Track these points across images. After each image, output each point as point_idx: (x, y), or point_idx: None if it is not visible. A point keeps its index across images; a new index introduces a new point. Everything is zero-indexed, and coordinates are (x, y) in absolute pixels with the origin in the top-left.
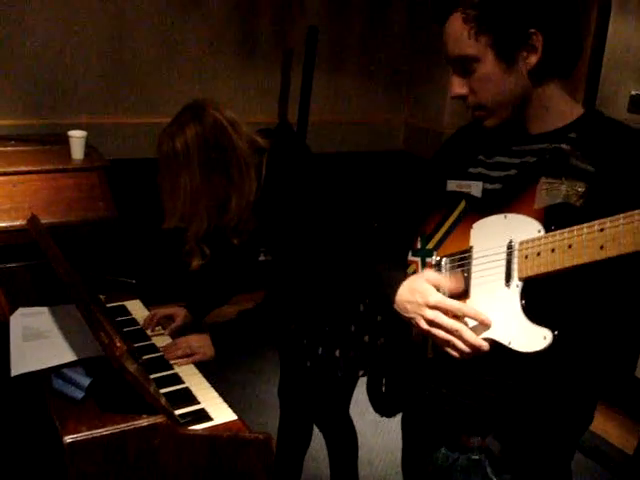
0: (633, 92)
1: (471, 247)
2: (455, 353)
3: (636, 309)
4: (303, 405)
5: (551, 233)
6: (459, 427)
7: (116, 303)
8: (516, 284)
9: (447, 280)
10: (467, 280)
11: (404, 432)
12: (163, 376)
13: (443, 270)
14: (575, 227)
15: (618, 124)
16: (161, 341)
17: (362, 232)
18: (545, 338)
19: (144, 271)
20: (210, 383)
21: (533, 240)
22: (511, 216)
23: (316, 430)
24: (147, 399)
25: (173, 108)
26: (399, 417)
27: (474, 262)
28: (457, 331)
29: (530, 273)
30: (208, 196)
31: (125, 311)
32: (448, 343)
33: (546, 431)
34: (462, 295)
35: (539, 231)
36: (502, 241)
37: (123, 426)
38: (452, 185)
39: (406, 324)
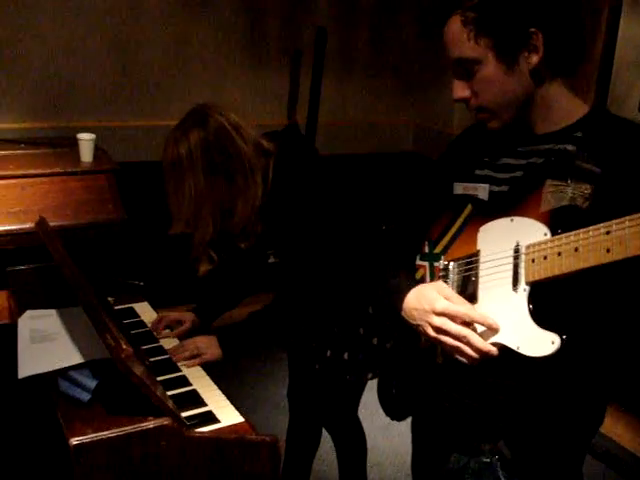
0: None
1: (478, 251)
2: (464, 359)
3: None
4: (312, 407)
5: (557, 236)
6: (470, 432)
7: (124, 305)
8: (523, 288)
9: (457, 298)
10: (475, 284)
11: (414, 436)
12: (170, 378)
13: (451, 275)
14: (581, 230)
15: (624, 122)
16: (169, 343)
17: (370, 234)
18: (553, 343)
19: (153, 273)
20: (219, 385)
21: (539, 244)
22: (517, 219)
23: (325, 432)
24: (153, 401)
25: (182, 111)
26: (409, 420)
27: (481, 266)
28: (465, 337)
29: (537, 277)
30: (213, 201)
31: (133, 313)
32: (457, 350)
33: (556, 433)
34: (470, 299)
35: (545, 234)
36: (509, 245)
37: (129, 428)
38: (459, 188)
39: (414, 331)
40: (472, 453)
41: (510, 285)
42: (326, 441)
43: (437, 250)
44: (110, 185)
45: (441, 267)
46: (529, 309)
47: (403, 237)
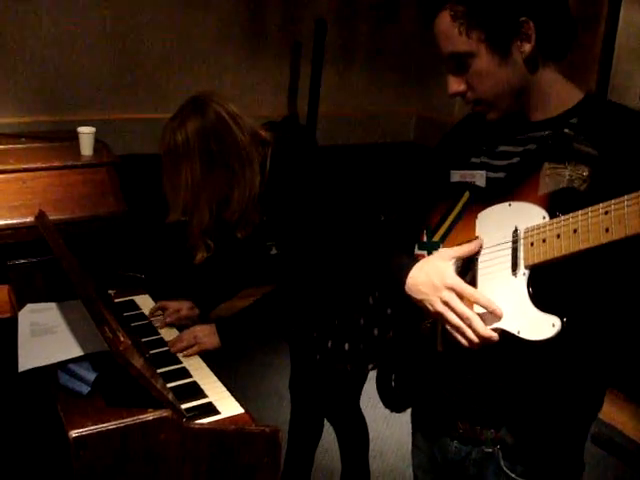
0: None
1: (477, 237)
2: (464, 341)
3: None
4: (314, 398)
5: (556, 219)
6: (471, 419)
7: (125, 298)
8: (523, 272)
9: (460, 249)
10: (474, 270)
11: (414, 424)
12: (171, 370)
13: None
14: (580, 211)
15: (619, 107)
16: (169, 335)
17: (370, 224)
18: (554, 325)
19: (153, 266)
20: (220, 376)
21: (538, 227)
22: (515, 204)
23: (327, 423)
24: (152, 393)
25: (182, 103)
26: (410, 410)
27: (481, 253)
28: (468, 319)
29: (536, 260)
30: (209, 189)
31: (134, 306)
32: (458, 329)
33: (557, 419)
34: (469, 285)
35: (544, 217)
36: (507, 230)
37: (129, 420)
38: (455, 176)
39: (415, 317)
40: (473, 443)
41: (509, 270)
42: (328, 432)
43: (435, 238)
44: (111, 178)
45: None
46: (529, 293)
47: (401, 226)
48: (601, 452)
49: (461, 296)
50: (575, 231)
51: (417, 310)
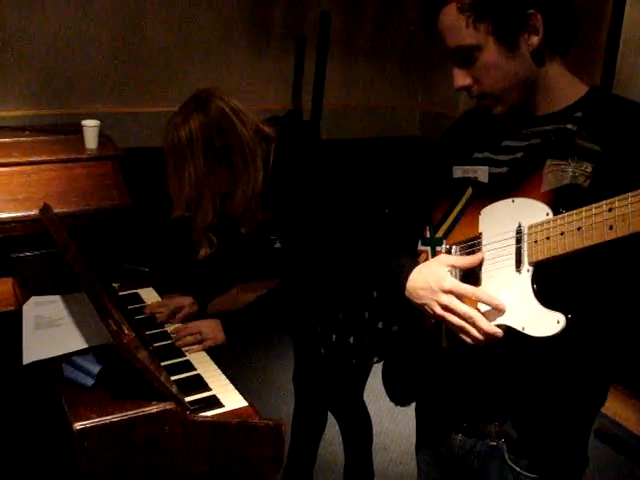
0: None
1: (480, 233)
2: (469, 339)
3: None
4: (317, 392)
5: (559, 216)
6: (475, 414)
7: (130, 291)
8: (527, 269)
9: (462, 259)
10: (478, 267)
11: (418, 419)
12: (175, 363)
13: None
14: (583, 208)
15: (623, 101)
16: (173, 329)
17: (374, 218)
18: (559, 322)
19: (157, 259)
20: (224, 369)
21: (542, 224)
22: (519, 200)
23: (331, 417)
24: (156, 386)
25: (186, 96)
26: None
27: (484, 248)
28: (471, 318)
29: (540, 257)
30: (213, 185)
31: (138, 299)
32: (462, 329)
33: (560, 413)
34: (473, 282)
35: (547, 214)
36: (511, 226)
37: (133, 413)
38: (458, 171)
39: (419, 313)
40: (478, 436)
41: (513, 266)
42: (332, 425)
43: (439, 234)
44: (115, 171)
45: (443, 251)
46: (533, 289)
47: (404, 222)
48: (604, 447)
49: (461, 297)
50: (579, 229)
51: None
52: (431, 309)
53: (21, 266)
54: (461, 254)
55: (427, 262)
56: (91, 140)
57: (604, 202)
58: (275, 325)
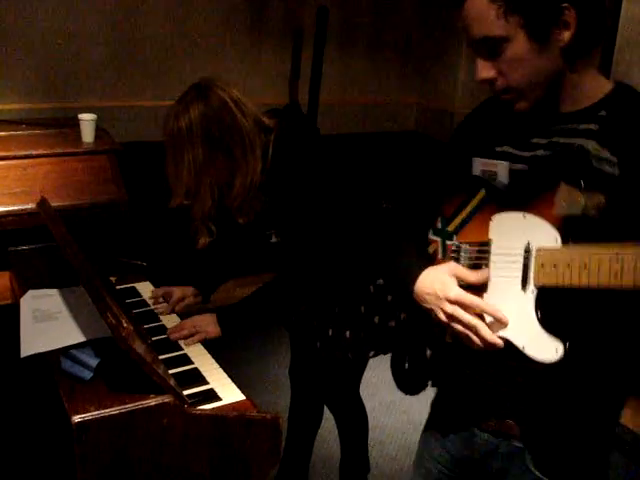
0: None
1: (490, 240)
2: (472, 345)
3: None
4: (313, 386)
5: (568, 246)
6: (501, 413)
7: (127, 285)
8: (532, 290)
9: (470, 274)
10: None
11: (434, 413)
12: (172, 357)
13: (462, 259)
14: (593, 246)
15: None
16: (171, 323)
17: (371, 213)
18: (557, 351)
19: (155, 253)
20: (221, 363)
21: (550, 250)
22: (530, 217)
23: (327, 411)
24: (155, 379)
25: (183, 90)
26: (412, 399)
27: (492, 258)
28: (474, 327)
29: (546, 282)
30: (211, 174)
31: (135, 293)
32: (465, 337)
33: (576, 422)
34: (480, 288)
35: (556, 239)
36: (520, 242)
37: (131, 406)
38: (478, 163)
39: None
40: (504, 436)
41: (519, 284)
42: (327, 419)
43: (450, 228)
44: (111, 165)
45: (453, 247)
46: (536, 311)
47: (417, 210)
48: (621, 456)
49: (466, 307)
50: (586, 266)
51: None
52: (436, 315)
53: (18, 260)
54: (470, 257)
55: (436, 267)
56: (88, 134)
57: (616, 246)
58: (271, 318)
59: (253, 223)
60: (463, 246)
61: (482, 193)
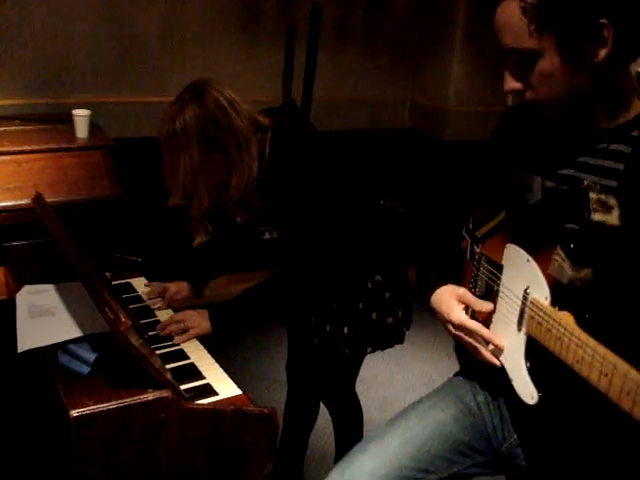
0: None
1: (502, 266)
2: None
3: None
4: (310, 382)
5: (556, 316)
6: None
7: (121, 280)
8: (524, 333)
9: (476, 303)
10: (495, 295)
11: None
12: (168, 352)
13: (480, 272)
14: (583, 339)
15: None
16: (166, 318)
17: (369, 210)
18: (532, 398)
19: (150, 249)
20: (217, 359)
21: (541, 309)
22: (531, 264)
23: (322, 407)
24: (152, 373)
25: (177, 86)
26: (404, 395)
27: (502, 288)
28: (475, 349)
29: (534, 335)
30: (207, 174)
31: (131, 288)
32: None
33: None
34: (490, 300)
35: (546, 298)
36: (522, 283)
37: (129, 400)
38: (517, 173)
39: None
40: None
41: (516, 323)
42: (322, 415)
43: (478, 234)
44: (105, 161)
45: (476, 257)
46: (525, 354)
47: (458, 207)
48: None
49: (467, 332)
50: (578, 361)
51: None
52: (445, 329)
53: (13, 255)
54: (486, 274)
55: (446, 288)
56: (82, 129)
57: (601, 352)
58: (264, 316)
59: (251, 222)
60: (483, 260)
61: (503, 215)
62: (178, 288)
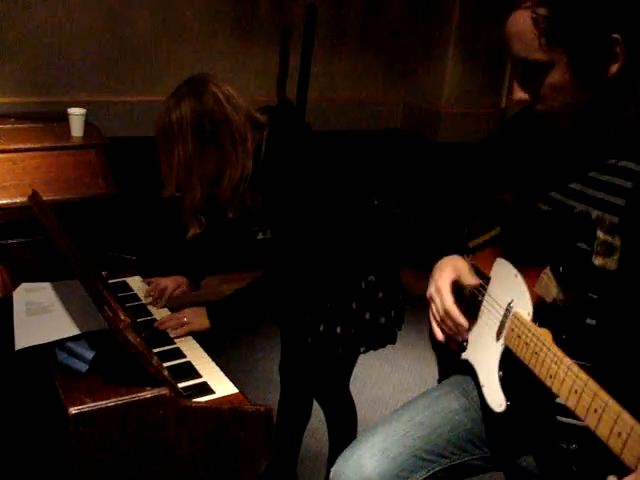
0: None
1: (490, 279)
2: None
3: None
4: (303, 381)
5: (538, 333)
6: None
7: (117, 279)
8: (501, 343)
9: (454, 311)
10: (478, 305)
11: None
12: (165, 350)
13: None
14: (560, 355)
15: None
16: (162, 316)
17: (363, 209)
18: (500, 406)
19: (144, 247)
20: (212, 358)
21: (522, 321)
22: (519, 279)
23: (316, 407)
24: (150, 371)
25: (172, 86)
26: (398, 394)
27: (486, 296)
28: (434, 318)
29: (511, 347)
30: (201, 167)
31: (126, 287)
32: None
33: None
34: (473, 315)
35: (529, 314)
36: (507, 296)
37: (127, 398)
38: (516, 192)
39: None
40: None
41: (495, 332)
42: (316, 414)
43: (471, 244)
44: (101, 160)
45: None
46: (499, 364)
47: (455, 209)
48: None
49: (441, 299)
50: (551, 376)
51: None
52: (428, 302)
53: (9, 253)
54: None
55: (456, 259)
56: (77, 128)
57: (582, 373)
58: (261, 313)
59: (243, 218)
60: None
61: (497, 230)
62: (176, 284)
